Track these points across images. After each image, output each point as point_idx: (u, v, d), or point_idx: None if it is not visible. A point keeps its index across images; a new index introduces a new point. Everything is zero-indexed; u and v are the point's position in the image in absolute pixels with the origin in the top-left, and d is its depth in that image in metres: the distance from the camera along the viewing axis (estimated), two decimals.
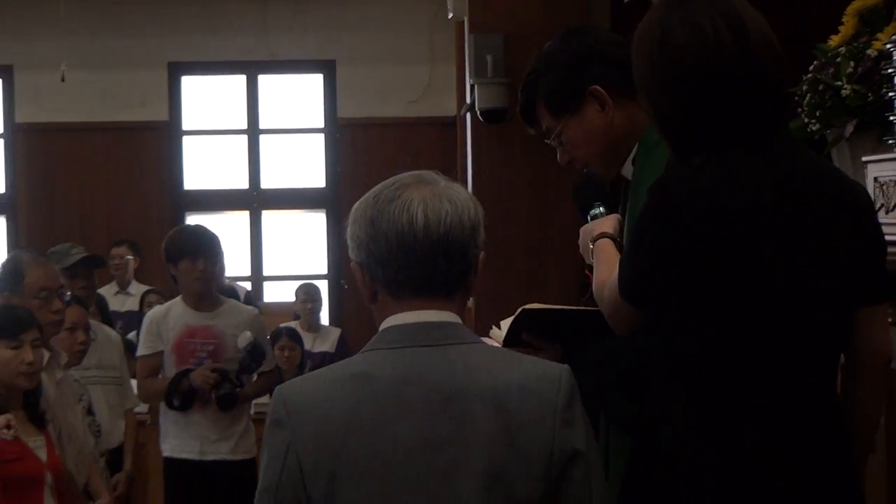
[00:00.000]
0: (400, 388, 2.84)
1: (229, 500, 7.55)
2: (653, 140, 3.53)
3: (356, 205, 2.97)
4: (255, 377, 7.70)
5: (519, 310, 3.41)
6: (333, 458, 2.80)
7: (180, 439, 7.43)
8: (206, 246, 7.69)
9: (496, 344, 3.45)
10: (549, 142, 3.80)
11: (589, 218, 3.24)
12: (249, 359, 7.57)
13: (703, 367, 3.00)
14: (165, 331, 7.49)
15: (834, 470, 3.14)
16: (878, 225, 3.27)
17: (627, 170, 3.71)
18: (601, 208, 3.20)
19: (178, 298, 7.82)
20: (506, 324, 3.51)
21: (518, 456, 2.81)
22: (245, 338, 7.52)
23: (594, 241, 3.16)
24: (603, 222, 3.19)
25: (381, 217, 2.89)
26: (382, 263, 2.89)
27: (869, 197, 3.36)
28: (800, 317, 3.07)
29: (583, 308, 3.55)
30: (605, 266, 3.13)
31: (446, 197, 2.90)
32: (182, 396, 7.34)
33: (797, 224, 3.09)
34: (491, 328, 3.49)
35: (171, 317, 7.63)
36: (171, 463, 7.42)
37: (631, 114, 3.68)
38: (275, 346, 9.83)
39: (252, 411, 8.50)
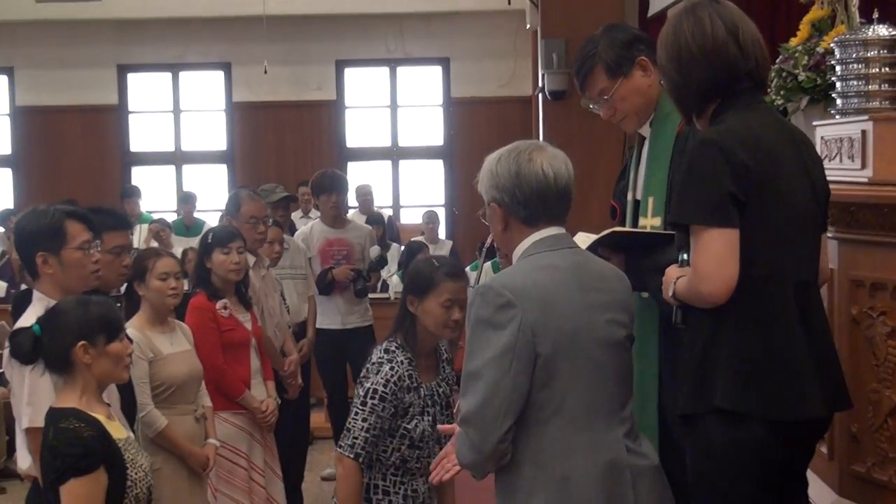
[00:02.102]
0: (574, 272, 3.01)
1: (361, 355, 7.64)
2: (666, 109, 3.56)
3: (492, 165, 3.09)
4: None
5: (608, 231, 3.39)
6: (555, 320, 2.90)
7: (327, 315, 7.56)
8: (338, 185, 7.85)
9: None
10: (596, 101, 3.76)
11: (679, 260, 3.11)
12: (377, 264, 8.09)
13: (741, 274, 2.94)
14: (311, 243, 7.59)
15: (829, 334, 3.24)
16: (825, 172, 3.24)
17: (645, 130, 3.69)
18: (686, 256, 3.14)
19: (318, 220, 8.03)
20: (587, 235, 3.50)
21: (624, 308, 3.09)
22: (375, 251, 8.09)
23: (675, 281, 3.06)
24: (682, 271, 3.06)
25: (523, 172, 2.99)
26: (524, 203, 2.99)
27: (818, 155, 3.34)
28: (808, 228, 3.08)
29: (648, 231, 3.52)
30: (683, 285, 3.04)
31: (560, 159, 3.04)
32: (326, 285, 7.51)
33: (795, 162, 3.06)
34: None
35: (314, 233, 7.75)
36: (319, 332, 7.47)
37: (657, 81, 3.65)
38: (418, 254, 10.10)
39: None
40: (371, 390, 3.77)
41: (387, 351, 3.88)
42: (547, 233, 3.02)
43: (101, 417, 3.46)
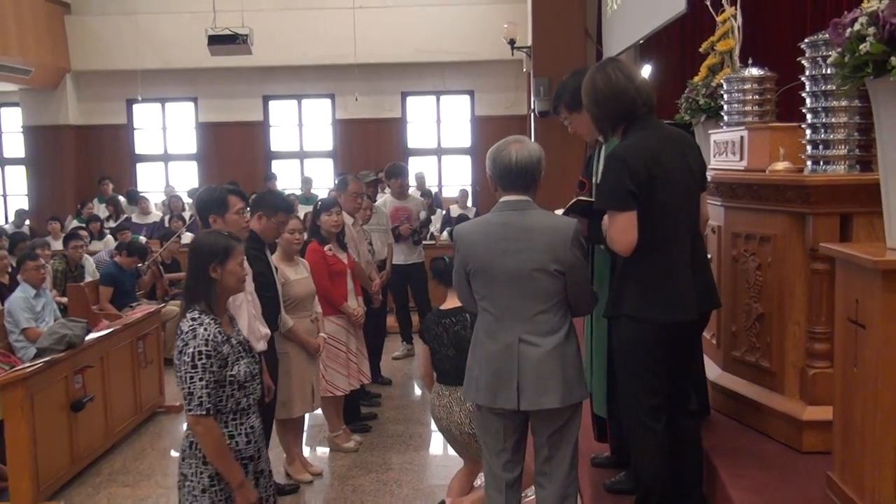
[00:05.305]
0: (503, 227, 3.04)
1: (417, 281, 7.88)
2: None
3: (489, 151, 3.11)
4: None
5: (574, 199, 3.34)
6: (474, 254, 3.07)
7: (395, 255, 7.52)
8: (403, 172, 7.99)
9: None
10: (564, 123, 3.76)
11: (606, 217, 3.10)
12: (424, 223, 8.12)
13: (644, 229, 2.95)
14: (385, 209, 7.51)
15: (707, 262, 3.20)
16: (702, 155, 3.24)
17: (601, 137, 3.63)
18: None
19: (389, 194, 7.98)
20: (560, 211, 3.42)
21: (556, 247, 2.98)
22: (423, 214, 8.03)
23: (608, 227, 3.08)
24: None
25: (498, 157, 3.06)
26: (499, 176, 3.06)
27: (696, 143, 3.32)
28: (686, 198, 3.06)
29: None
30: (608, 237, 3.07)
31: (526, 148, 3.03)
32: (395, 237, 7.52)
33: (677, 158, 3.04)
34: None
35: (387, 203, 7.73)
36: (395, 268, 7.47)
37: None
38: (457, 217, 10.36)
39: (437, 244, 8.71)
40: (196, 353, 2.86)
41: (193, 319, 2.95)
42: (509, 197, 3.06)
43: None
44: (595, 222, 3.29)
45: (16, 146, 14.01)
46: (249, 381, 3.01)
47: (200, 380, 2.85)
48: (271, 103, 13.95)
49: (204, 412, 2.86)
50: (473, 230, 3.11)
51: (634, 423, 3.10)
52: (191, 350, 2.86)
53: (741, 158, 3.92)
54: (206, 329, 2.90)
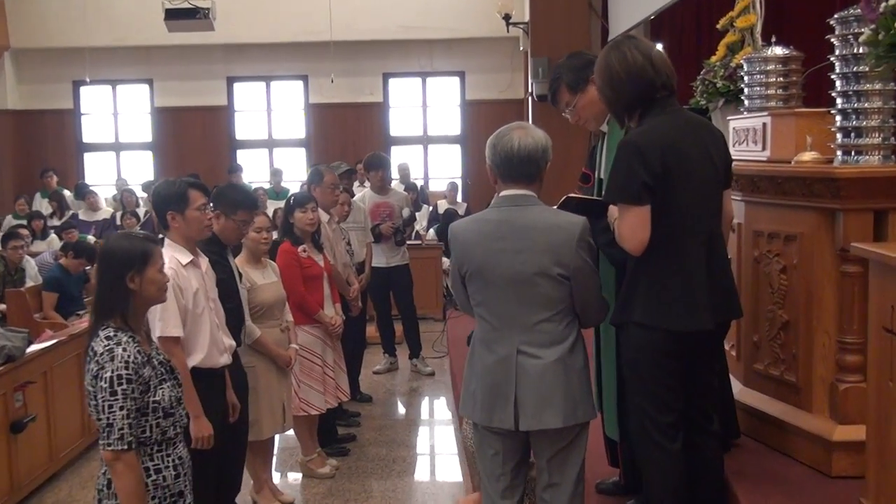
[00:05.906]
0: (497, 225, 3.04)
1: (400, 285, 7.88)
2: None
3: (489, 138, 3.10)
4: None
5: (565, 197, 3.32)
6: (468, 255, 3.07)
7: (376, 257, 7.56)
8: (384, 163, 7.90)
9: None
10: (565, 111, 3.73)
11: (613, 207, 3.13)
12: (408, 221, 7.95)
13: (657, 227, 2.94)
14: (364, 205, 7.51)
15: (727, 266, 3.22)
16: (727, 146, 3.25)
17: (604, 127, 3.63)
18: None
19: (368, 188, 7.98)
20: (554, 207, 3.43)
21: (559, 248, 2.96)
22: (406, 211, 7.91)
23: (615, 219, 3.08)
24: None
25: (498, 144, 3.04)
26: (499, 165, 3.04)
27: (721, 133, 3.31)
28: (705, 192, 3.05)
29: (591, 197, 3.47)
30: (617, 231, 3.07)
31: (530, 135, 3.03)
32: (375, 236, 7.53)
33: (697, 147, 3.04)
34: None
35: (366, 198, 7.71)
36: (376, 271, 7.49)
37: None
38: (453, 218, 10.25)
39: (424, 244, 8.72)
40: (115, 378, 2.72)
41: (108, 338, 2.79)
42: (509, 191, 3.05)
43: None
44: (591, 222, 3.29)
45: None
46: (175, 406, 2.91)
47: (121, 409, 2.73)
48: (236, 86, 13.93)
49: (125, 446, 2.74)
50: (468, 228, 3.10)
51: (645, 442, 3.09)
52: (108, 375, 2.73)
53: (763, 148, 3.94)
54: (124, 349, 2.77)
